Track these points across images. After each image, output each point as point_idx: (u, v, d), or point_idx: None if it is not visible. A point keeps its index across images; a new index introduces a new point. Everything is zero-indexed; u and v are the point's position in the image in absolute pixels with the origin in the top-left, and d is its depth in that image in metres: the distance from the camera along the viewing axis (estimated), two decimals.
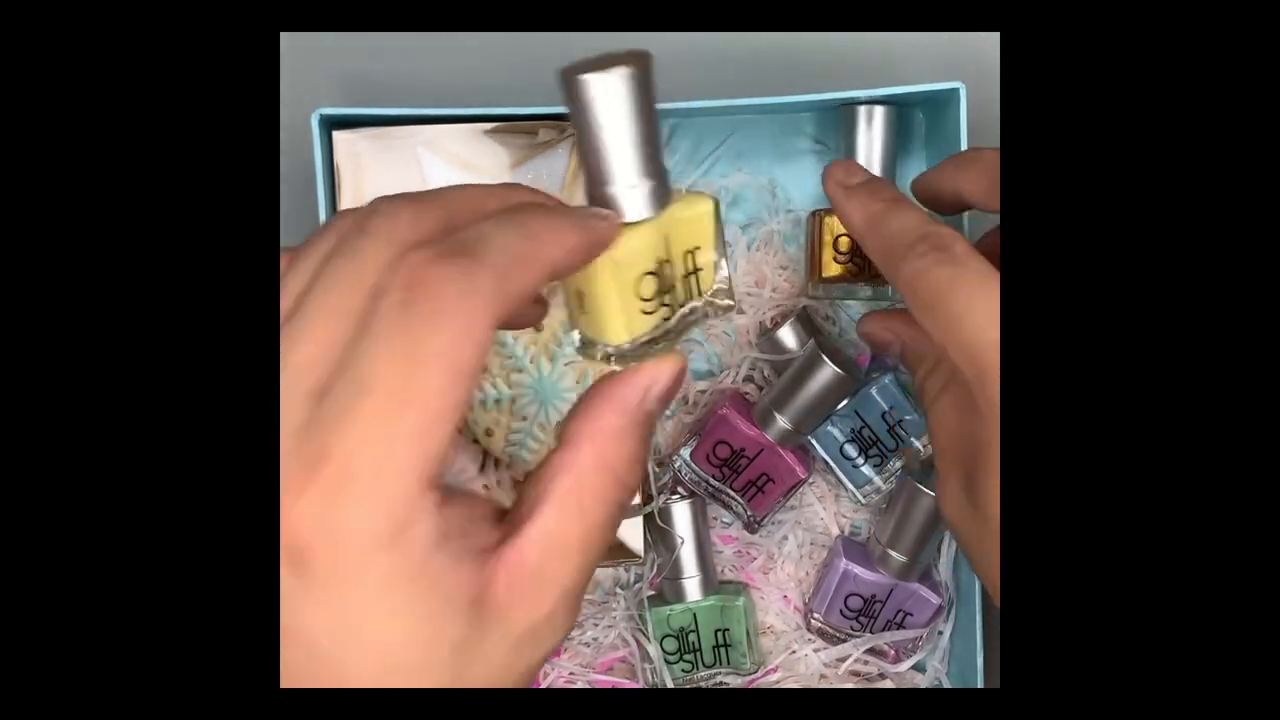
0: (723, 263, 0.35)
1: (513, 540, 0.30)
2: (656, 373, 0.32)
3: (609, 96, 0.32)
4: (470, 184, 0.32)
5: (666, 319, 0.34)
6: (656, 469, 0.54)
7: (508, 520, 0.31)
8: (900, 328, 0.47)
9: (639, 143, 0.32)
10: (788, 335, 0.53)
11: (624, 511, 0.32)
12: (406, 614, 0.28)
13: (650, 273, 0.33)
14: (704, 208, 0.34)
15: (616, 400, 0.32)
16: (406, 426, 0.27)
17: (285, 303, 0.31)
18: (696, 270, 0.35)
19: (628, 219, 0.33)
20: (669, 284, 0.34)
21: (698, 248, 0.34)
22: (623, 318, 0.33)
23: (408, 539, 0.28)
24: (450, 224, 0.30)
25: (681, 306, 0.34)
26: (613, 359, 0.33)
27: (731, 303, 0.36)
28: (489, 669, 0.30)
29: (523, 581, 0.29)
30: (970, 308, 0.37)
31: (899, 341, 0.47)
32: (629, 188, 0.32)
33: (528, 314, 0.36)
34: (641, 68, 0.31)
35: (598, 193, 0.33)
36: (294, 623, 0.28)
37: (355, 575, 0.28)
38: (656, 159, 0.33)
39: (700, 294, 0.35)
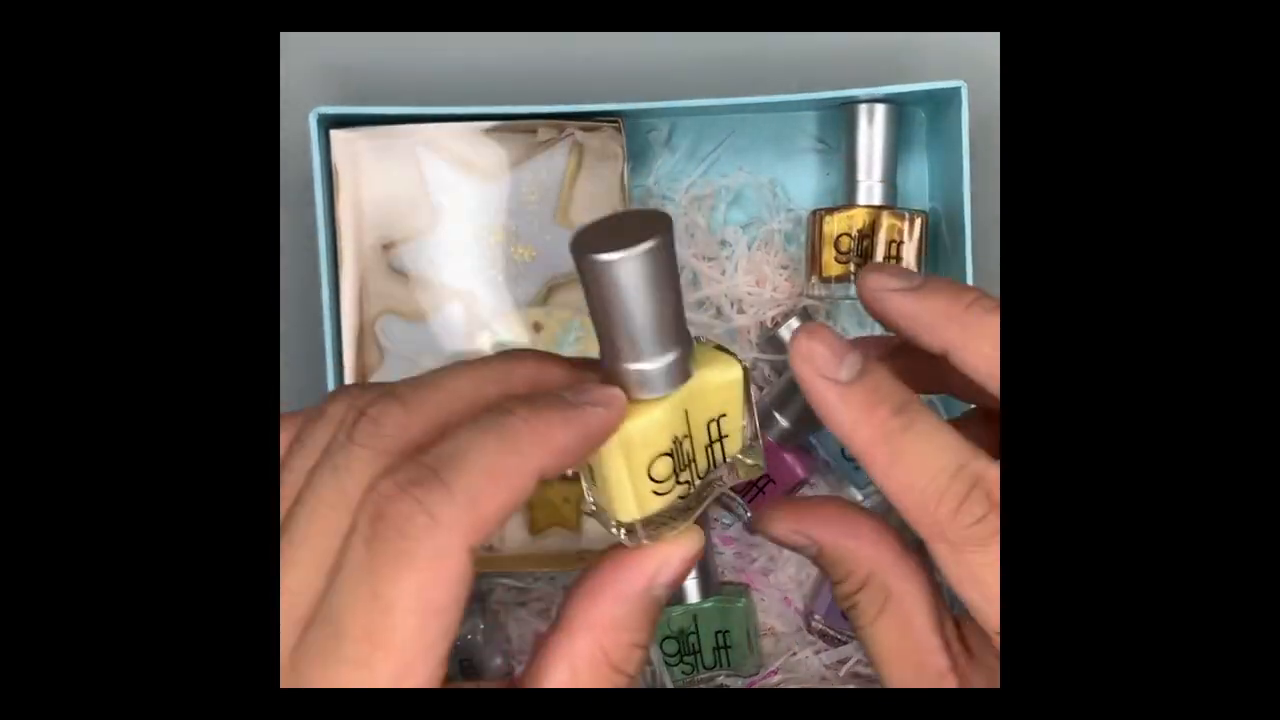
0: (751, 421, 0.32)
1: None
2: (667, 556, 0.31)
3: (625, 277, 0.27)
4: (469, 367, 0.30)
5: (684, 496, 0.31)
6: None
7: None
8: (821, 531, 0.36)
9: (657, 318, 0.28)
10: (788, 335, 0.53)
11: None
12: None
13: (665, 453, 0.30)
14: (732, 376, 0.31)
15: (619, 586, 0.30)
16: (382, 673, 0.27)
17: (285, 495, 0.30)
18: (722, 438, 0.31)
19: (641, 397, 0.29)
20: (687, 460, 0.31)
21: (724, 415, 0.31)
22: (634, 499, 0.30)
23: None
24: (440, 429, 0.28)
25: (702, 478, 0.31)
26: (624, 534, 0.30)
27: (760, 464, 0.32)
28: None
29: None
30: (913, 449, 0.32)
31: (814, 545, 0.37)
32: (643, 365, 0.29)
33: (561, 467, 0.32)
34: (662, 238, 0.27)
35: (610, 369, 0.29)
36: None
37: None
38: (678, 329, 0.29)
39: (725, 460, 0.32)
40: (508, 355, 0.31)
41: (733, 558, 0.56)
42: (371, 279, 0.51)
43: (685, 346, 0.29)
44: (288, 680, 0.28)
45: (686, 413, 0.30)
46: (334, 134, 0.51)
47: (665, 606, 0.31)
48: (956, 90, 0.50)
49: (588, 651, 0.30)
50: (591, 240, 0.27)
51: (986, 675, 0.35)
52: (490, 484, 0.27)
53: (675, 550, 0.30)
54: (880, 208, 0.52)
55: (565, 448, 0.28)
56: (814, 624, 0.55)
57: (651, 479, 0.30)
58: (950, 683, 0.35)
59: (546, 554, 0.52)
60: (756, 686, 0.56)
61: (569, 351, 0.51)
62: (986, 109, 0.54)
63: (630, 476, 0.30)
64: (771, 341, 0.54)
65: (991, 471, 0.32)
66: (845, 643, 0.54)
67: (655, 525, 0.30)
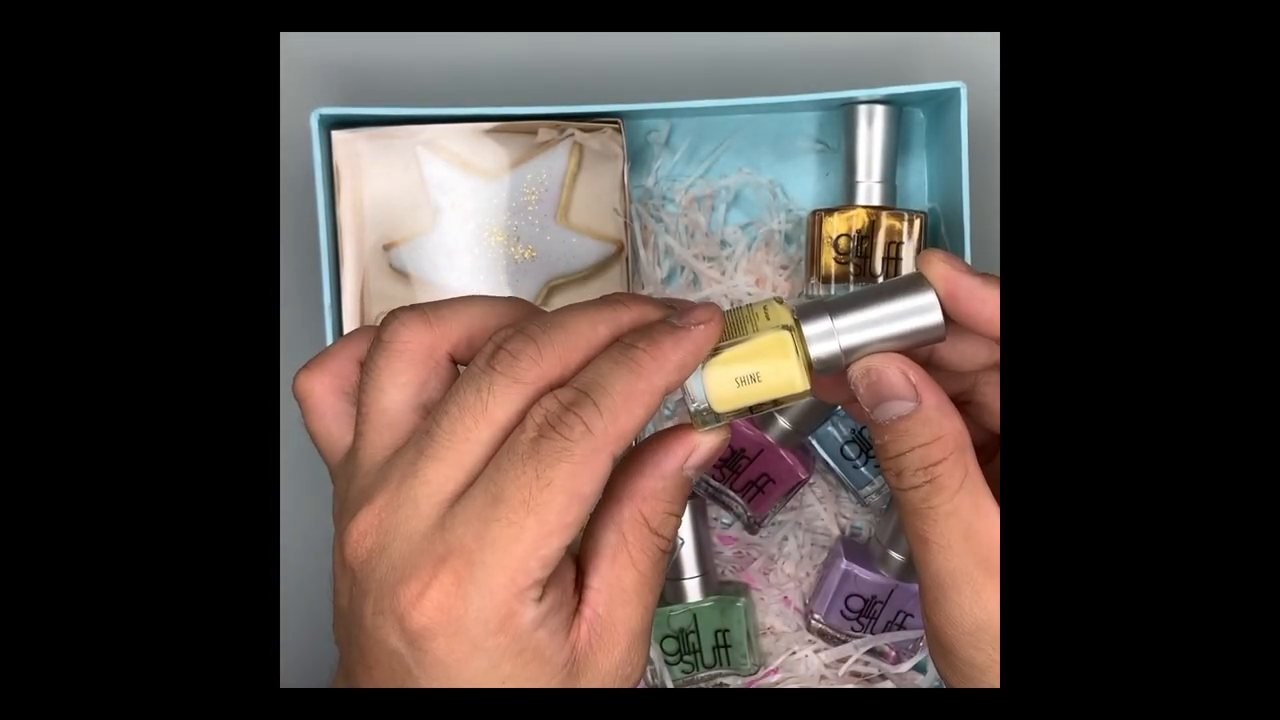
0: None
1: (585, 595, 0.35)
2: (698, 442, 0.37)
3: None
4: (583, 310, 0.36)
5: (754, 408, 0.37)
6: None
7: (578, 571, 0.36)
8: (929, 391, 0.36)
9: None
10: None
11: (666, 560, 0.37)
12: (515, 678, 0.34)
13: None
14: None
15: (659, 464, 0.36)
16: (529, 533, 0.33)
17: (367, 403, 0.35)
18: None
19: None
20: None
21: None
22: (730, 406, 0.36)
23: (513, 624, 0.33)
24: (565, 364, 0.35)
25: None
26: (698, 417, 0.36)
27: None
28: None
29: (599, 631, 0.35)
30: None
31: (917, 402, 0.36)
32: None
33: None
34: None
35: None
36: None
37: (469, 656, 0.33)
38: None
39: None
40: (612, 299, 0.36)
41: (733, 558, 0.56)
42: (372, 279, 0.51)
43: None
44: (432, 535, 0.33)
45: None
46: (335, 134, 0.51)
47: (674, 539, 0.37)
48: (956, 91, 0.50)
49: (632, 516, 0.36)
50: None
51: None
52: (626, 403, 0.34)
53: (706, 439, 0.37)
54: (880, 208, 0.52)
55: (681, 364, 0.35)
56: (814, 623, 0.55)
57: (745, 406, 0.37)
58: (995, 566, 0.35)
59: None
60: (756, 686, 0.56)
61: None
62: (986, 109, 0.54)
63: (765, 399, 0.36)
64: None
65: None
66: (845, 642, 0.54)
67: (721, 424, 0.37)
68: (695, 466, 0.37)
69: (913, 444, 0.36)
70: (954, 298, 0.36)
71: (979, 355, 0.38)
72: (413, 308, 0.36)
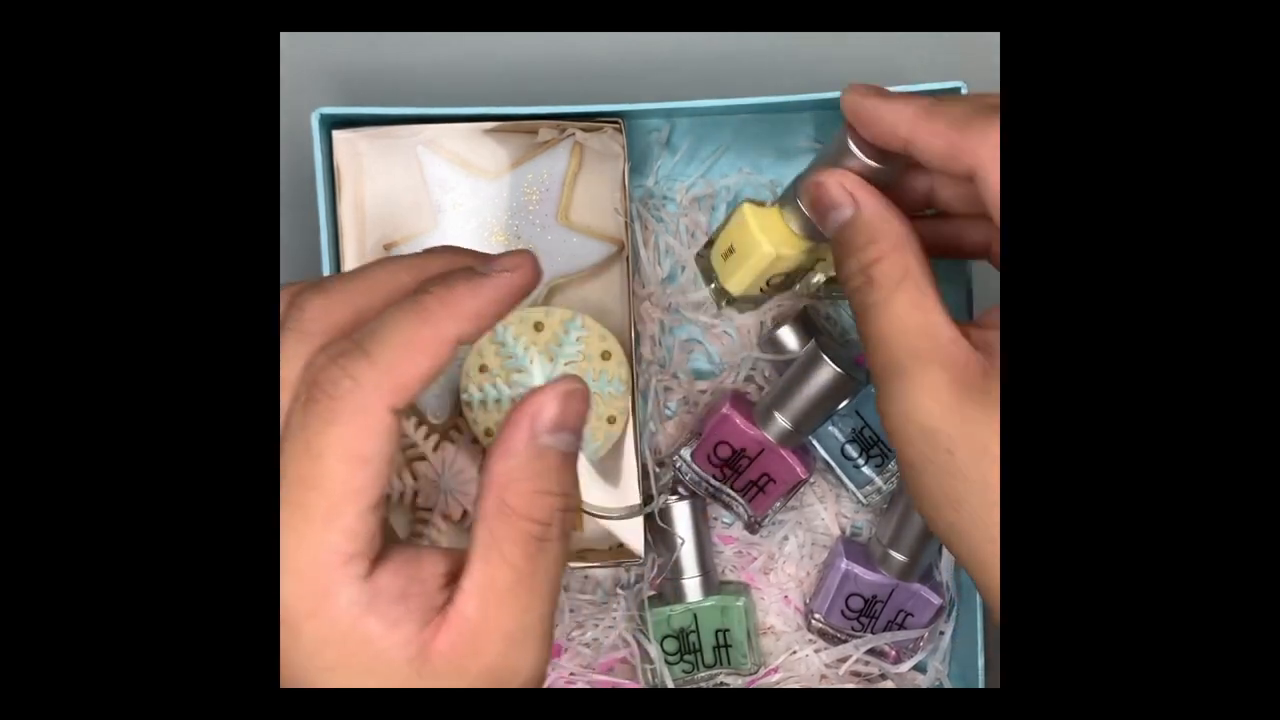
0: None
1: (455, 597, 0.32)
2: (540, 403, 0.33)
3: None
4: (388, 260, 0.34)
5: (764, 289, 0.44)
6: (657, 469, 0.54)
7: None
8: (865, 194, 0.39)
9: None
10: (788, 335, 0.53)
11: (555, 548, 0.34)
12: (343, 668, 0.31)
13: (786, 274, 0.44)
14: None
15: (505, 442, 0.33)
16: (316, 511, 0.31)
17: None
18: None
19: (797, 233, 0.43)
20: (790, 283, 0.45)
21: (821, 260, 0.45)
22: (743, 282, 0.44)
23: (330, 606, 0.31)
24: (360, 313, 0.32)
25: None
26: (724, 303, 0.44)
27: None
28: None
29: (466, 635, 0.32)
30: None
31: (853, 206, 0.38)
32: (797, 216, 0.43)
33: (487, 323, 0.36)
34: None
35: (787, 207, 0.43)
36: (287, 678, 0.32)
37: (290, 641, 0.31)
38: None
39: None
40: (425, 251, 0.34)
41: (733, 557, 0.56)
42: None
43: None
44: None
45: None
46: (335, 134, 0.51)
47: (572, 451, 0.34)
48: (955, 91, 0.50)
49: (495, 507, 0.33)
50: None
51: (987, 348, 0.36)
52: (406, 352, 0.31)
53: (547, 395, 0.33)
54: None
55: (477, 313, 0.32)
56: (814, 622, 0.55)
57: (768, 282, 0.45)
58: (963, 348, 0.36)
59: None
60: (756, 685, 0.56)
61: (571, 351, 0.51)
62: None
63: (754, 272, 0.43)
64: (771, 342, 0.54)
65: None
66: (845, 641, 0.54)
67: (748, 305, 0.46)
68: (551, 431, 0.33)
69: (852, 248, 0.38)
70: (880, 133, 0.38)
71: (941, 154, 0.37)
72: (313, 286, 0.34)
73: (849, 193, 0.38)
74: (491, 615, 0.32)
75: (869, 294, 0.37)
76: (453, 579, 0.33)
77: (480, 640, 0.32)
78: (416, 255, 0.34)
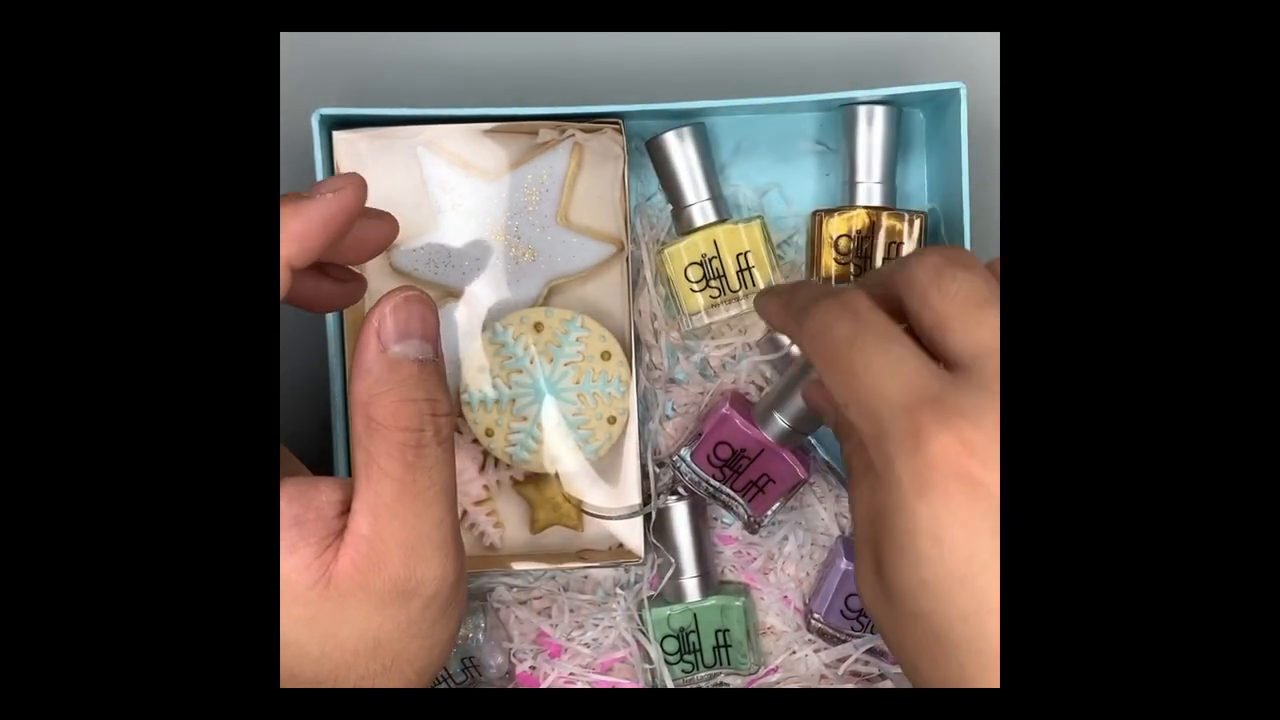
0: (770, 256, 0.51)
1: (350, 523, 0.33)
2: (379, 315, 0.34)
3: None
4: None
5: (715, 297, 0.47)
6: (656, 469, 0.54)
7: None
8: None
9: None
10: (788, 338, 0.53)
11: (430, 453, 0.34)
12: None
13: (694, 263, 0.50)
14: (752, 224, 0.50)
15: (357, 360, 0.34)
16: None
17: None
18: (750, 268, 0.51)
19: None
20: (716, 273, 0.49)
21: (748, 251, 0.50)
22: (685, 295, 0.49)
23: None
24: None
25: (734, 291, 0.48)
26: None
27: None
28: (358, 631, 0.33)
29: (364, 551, 0.33)
30: (868, 363, 0.34)
31: (831, 411, 0.41)
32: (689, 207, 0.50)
33: (337, 294, 0.38)
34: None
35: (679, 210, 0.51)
36: None
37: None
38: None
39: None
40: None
41: (733, 557, 0.56)
42: (372, 279, 0.51)
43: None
44: None
45: (715, 242, 0.51)
46: (335, 134, 0.51)
47: (427, 358, 0.35)
48: (956, 91, 0.50)
49: (363, 426, 0.34)
50: None
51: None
52: None
53: (382, 307, 0.34)
54: (880, 209, 0.52)
55: (304, 233, 0.33)
56: (813, 622, 0.55)
57: (688, 280, 0.50)
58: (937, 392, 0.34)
59: (547, 553, 0.53)
60: (756, 685, 0.56)
61: (571, 351, 0.51)
62: (986, 109, 0.54)
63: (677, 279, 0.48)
64: (771, 342, 0.54)
65: (846, 289, 0.35)
66: (845, 641, 0.54)
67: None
68: (396, 338, 0.35)
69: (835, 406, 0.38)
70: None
71: None
72: None
73: (826, 400, 0.40)
74: (384, 528, 0.33)
75: (849, 475, 0.39)
76: (347, 506, 0.34)
77: (377, 554, 0.33)
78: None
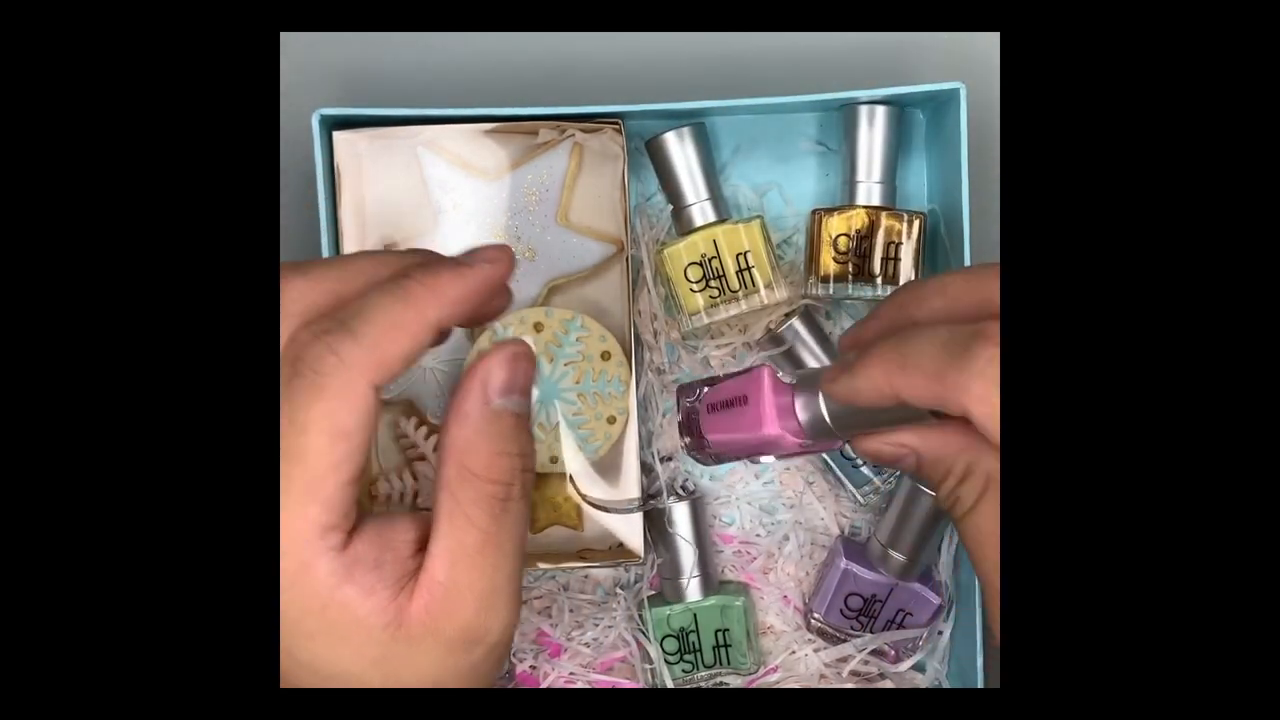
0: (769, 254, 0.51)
1: (426, 562, 0.33)
2: (487, 368, 0.35)
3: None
4: (370, 253, 0.36)
5: (715, 297, 0.46)
6: (661, 463, 0.54)
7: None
8: (911, 439, 0.38)
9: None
10: (788, 335, 0.53)
11: (517, 507, 0.35)
12: (323, 636, 0.32)
13: (694, 263, 0.50)
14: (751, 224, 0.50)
15: (459, 409, 0.35)
16: (296, 483, 0.32)
17: None
18: (749, 268, 0.51)
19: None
20: (716, 273, 0.49)
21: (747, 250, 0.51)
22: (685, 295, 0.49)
23: (309, 577, 0.32)
24: (339, 295, 0.33)
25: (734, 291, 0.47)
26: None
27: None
28: (422, 674, 0.34)
29: (440, 596, 0.33)
30: (919, 349, 0.34)
31: (912, 455, 0.38)
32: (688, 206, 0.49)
33: (482, 312, 0.37)
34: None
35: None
36: None
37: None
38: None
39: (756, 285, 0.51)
40: (408, 250, 0.35)
41: (733, 557, 0.56)
42: None
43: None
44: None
45: (715, 242, 0.51)
46: (336, 135, 0.51)
47: (524, 412, 0.36)
48: (956, 91, 0.50)
49: (456, 473, 0.34)
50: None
51: None
52: (390, 333, 0.33)
53: (494, 359, 0.35)
54: (879, 208, 0.52)
55: (458, 299, 0.34)
56: (813, 622, 0.55)
57: (687, 280, 0.50)
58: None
59: (548, 552, 0.53)
60: (756, 685, 0.56)
61: (571, 351, 0.51)
62: (986, 109, 0.54)
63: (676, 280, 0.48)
64: (773, 341, 0.54)
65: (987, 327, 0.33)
66: (845, 641, 0.54)
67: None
68: (502, 394, 0.35)
69: (934, 482, 0.38)
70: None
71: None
72: (292, 268, 0.35)
73: (899, 446, 0.38)
74: (461, 576, 0.34)
75: (957, 512, 0.37)
76: (422, 545, 0.34)
77: (452, 601, 0.34)
78: (397, 253, 0.35)
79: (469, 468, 0.34)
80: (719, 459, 0.45)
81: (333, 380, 0.32)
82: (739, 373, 0.44)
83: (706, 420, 0.43)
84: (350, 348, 0.32)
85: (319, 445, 0.32)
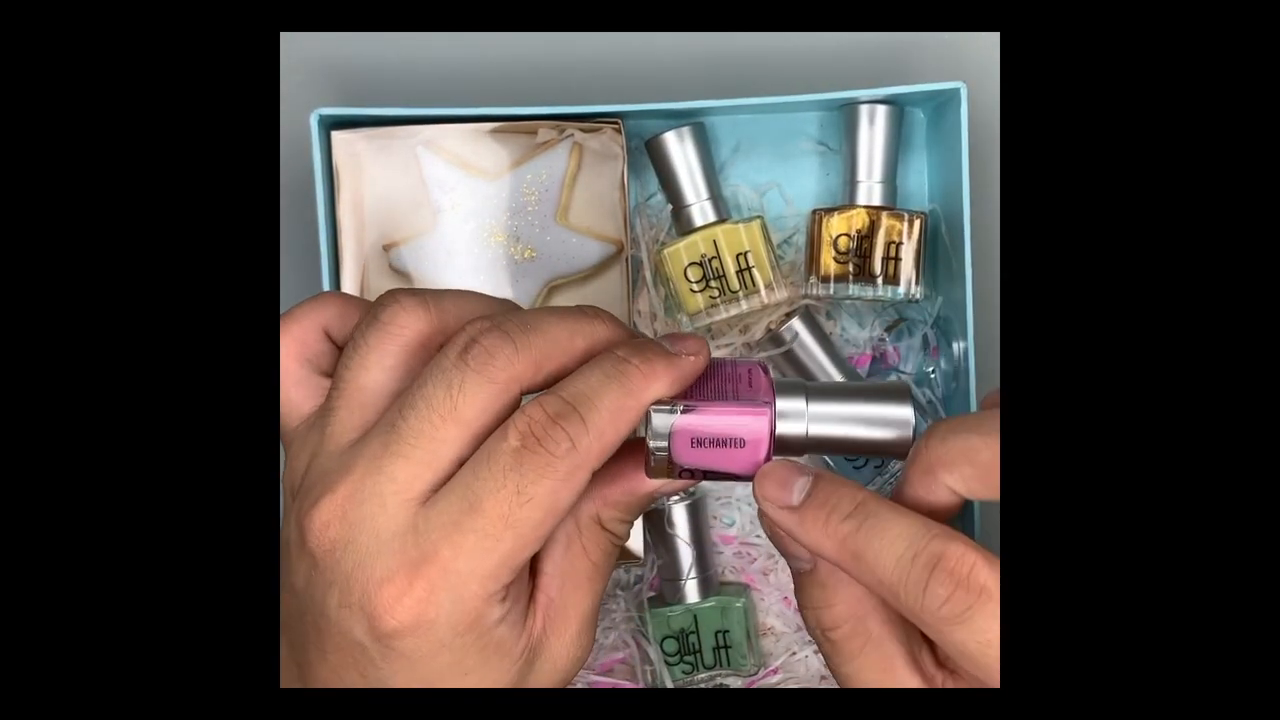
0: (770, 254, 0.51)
1: (539, 581, 0.36)
2: (663, 486, 0.37)
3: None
4: (560, 317, 0.35)
5: (715, 298, 0.46)
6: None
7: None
8: (826, 545, 0.36)
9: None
10: (788, 335, 0.53)
11: (616, 553, 0.38)
12: (476, 672, 0.35)
13: (694, 263, 0.50)
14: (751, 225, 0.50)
15: (634, 482, 0.37)
16: (505, 545, 0.33)
17: (347, 377, 0.35)
18: (750, 268, 0.51)
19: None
20: (716, 274, 0.49)
21: (748, 251, 0.51)
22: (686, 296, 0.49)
23: (480, 625, 0.34)
24: (540, 365, 0.34)
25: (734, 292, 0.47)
26: (656, 463, 0.37)
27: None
28: (528, 682, 0.37)
29: (552, 615, 0.36)
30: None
31: (811, 563, 0.37)
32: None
33: None
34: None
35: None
36: (378, 682, 0.34)
37: (434, 653, 0.34)
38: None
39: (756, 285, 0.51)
40: (586, 312, 0.36)
41: (733, 558, 0.56)
42: (372, 279, 0.51)
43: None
44: (404, 536, 0.33)
45: (715, 242, 0.51)
46: (335, 134, 0.51)
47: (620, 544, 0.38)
48: (956, 91, 0.50)
49: (590, 514, 0.37)
50: None
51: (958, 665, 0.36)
52: (613, 420, 0.34)
53: (669, 486, 0.38)
54: (880, 208, 0.52)
55: (666, 389, 0.35)
56: None
57: (687, 280, 0.50)
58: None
59: None
60: (756, 686, 0.56)
61: None
62: (986, 109, 0.54)
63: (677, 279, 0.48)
64: (773, 341, 0.54)
65: (952, 546, 0.33)
66: None
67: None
68: (665, 493, 0.38)
69: (810, 605, 0.37)
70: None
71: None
72: (413, 292, 0.36)
73: (807, 549, 0.36)
74: (571, 598, 0.36)
75: (830, 654, 0.38)
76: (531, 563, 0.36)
77: (564, 619, 0.36)
78: (585, 318, 0.36)
79: (603, 520, 0.37)
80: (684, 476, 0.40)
81: (564, 463, 0.33)
82: (726, 393, 0.39)
83: (685, 453, 0.38)
84: (581, 434, 0.33)
85: (537, 519, 0.33)
